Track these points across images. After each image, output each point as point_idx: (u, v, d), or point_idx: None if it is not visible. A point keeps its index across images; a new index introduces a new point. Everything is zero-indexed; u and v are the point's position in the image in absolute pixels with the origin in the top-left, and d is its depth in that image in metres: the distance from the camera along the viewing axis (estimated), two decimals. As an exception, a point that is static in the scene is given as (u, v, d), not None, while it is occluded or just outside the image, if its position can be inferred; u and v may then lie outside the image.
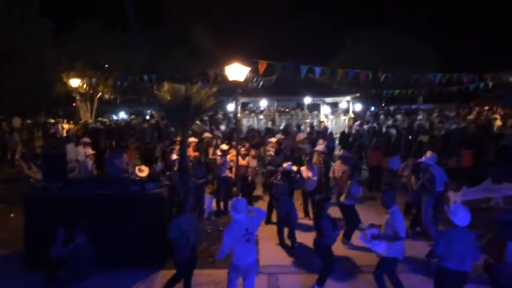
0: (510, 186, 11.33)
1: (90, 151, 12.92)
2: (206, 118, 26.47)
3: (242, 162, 11.77)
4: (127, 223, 7.74)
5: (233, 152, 11.90)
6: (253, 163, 12.10)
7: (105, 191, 8.00)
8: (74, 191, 7.94)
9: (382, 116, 25.67)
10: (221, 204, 11.27)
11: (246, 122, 22.01)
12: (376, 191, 12.71)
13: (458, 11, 42.74)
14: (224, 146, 11.78)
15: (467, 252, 5.68)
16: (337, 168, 10.48)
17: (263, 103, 24.70)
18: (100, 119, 25.70)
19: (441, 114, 26.51)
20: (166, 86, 8.76)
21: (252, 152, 12.23)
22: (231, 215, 6.05)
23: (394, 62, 25.65)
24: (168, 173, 9.87)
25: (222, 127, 19.80)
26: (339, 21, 37.30)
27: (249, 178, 12.16)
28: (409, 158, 11.51)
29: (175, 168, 9.83)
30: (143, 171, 10.14)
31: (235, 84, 10.99)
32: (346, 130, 19.33)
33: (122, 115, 35.86)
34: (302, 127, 19.73)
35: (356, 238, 7.82)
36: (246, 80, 18.28)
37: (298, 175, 10.38)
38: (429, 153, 9.99)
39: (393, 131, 17.34)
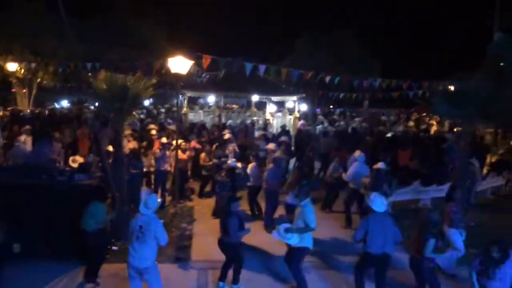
0: (437, 188, 12.04)
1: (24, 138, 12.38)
2: (163, 110, 26.15)
3: (182, 156, 11.69)
4: (53, 214, 7.46)
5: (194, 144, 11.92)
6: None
7: (31, 180, 7.68)
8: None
9: (335, 117, 26.48)
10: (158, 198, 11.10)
11: (192, 117, 21.78)
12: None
13: (404, 21, 44.65)
14: (164, 140, 11.63)
15: (386, 235, 6.28)
16: None
17: (211, 98, 24.56)
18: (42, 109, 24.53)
19: (373, 118, 27.79)
20: (102, 74, 8.50)
21: (210, 148, 12.25)
22: (140, 210, 6.03)
23: (340, 65, 26.32)
24: (100, 164, 9.58)
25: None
26: (290, 22, 38.00)
27: (188, 172, 12.15)
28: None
29: (110, 160, 9.56)
30: (76, 162, 9.82)
31: (178, 77, 10.86)
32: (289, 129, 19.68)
33: (65, 103, 34.49)
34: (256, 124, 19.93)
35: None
36: (191, 74, 18.06)
37: (243, 173, 10.45)
38: (357, 153, 10.35)
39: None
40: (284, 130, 17.93)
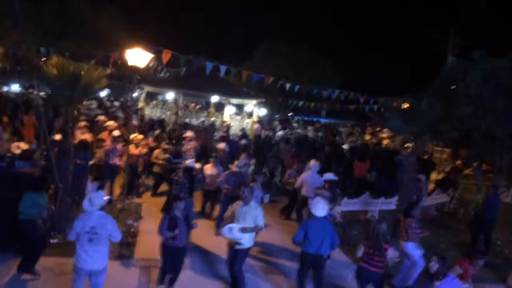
0: (385, 201, 12.37)
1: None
2: (117, 103, 25.26)
3: (133, 151, 11.37)
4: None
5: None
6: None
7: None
8: None
9: (295, 124, 26.82)
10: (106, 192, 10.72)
11: (149, 112, 21.31)
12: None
13: (366, 38, 46.16)
14: (116, 133, 11.25)
15: (324, 239, 6.55)
16: None
17: (170, 95, 24.13)
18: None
19: (329, 128, 28.55)
20: (54, 60, 8.09)
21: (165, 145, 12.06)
22: (84, 207, 5.59)
23: (300, 74, 26.71)
24: (45, 153, 9.12)
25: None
26: (253, 28, 38.31)
27: (140, 168, 11.82)
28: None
29: (56, 150, 9.11)
30: (20, 149, 9.30)
31: (135, 69, 10.57)
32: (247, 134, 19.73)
33: (15, 87, 32.81)
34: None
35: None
36: (151, 69, 17.69)
37: (200, 174, 10.27)
38: (312, 162, 10.45)
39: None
40: (244, 134, 17.94)
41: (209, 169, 10.62)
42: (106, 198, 5.88)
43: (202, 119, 22.17)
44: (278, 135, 21.42)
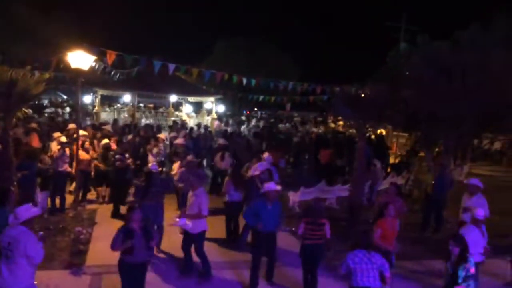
0: (341, 187, 12.56)
1: None
2: (68, 108, 24.50)
3: (84, 156, 11.09)
4: None
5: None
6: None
7: None
8: None
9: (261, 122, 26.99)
10: (56, 200, 10.41)
11: (105, 116, 20.87)
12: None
13: (322, 30, 46.71)
14: (63, 139, 10.93)
15: (271, 217, 7.09)
16: None
17: (127, 97, 23.74)
18: None
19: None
20: (-14, 67, 7.78)
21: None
22: (10, 220, 5.14)
23: (259, 69, 26.79)
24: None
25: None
26: (210, 25, 38.12)
27: (92, 173, 11.54)
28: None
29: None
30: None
31: (80, 72, 10.28)
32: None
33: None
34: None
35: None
36: (102, 71, 17.28)
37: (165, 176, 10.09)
38: (265, 154, 10.48)
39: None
40: (207, 130, 17.82)
41: (176, 168, 10.51)
42: (34, 211, 5.29)
43: (174, 119, 21.85)
44: (242, 129, 21.45)
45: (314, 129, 23.87)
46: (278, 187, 7.34)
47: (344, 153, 15.17)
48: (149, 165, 9.66)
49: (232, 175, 9.50)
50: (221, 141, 14.07)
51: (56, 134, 10.98)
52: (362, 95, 9.55)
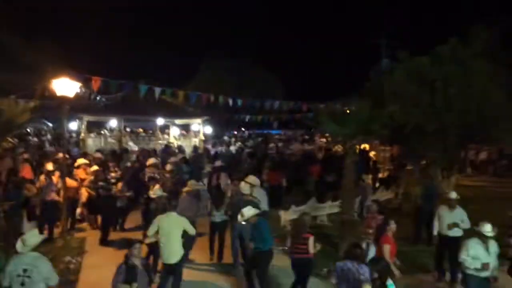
0: (332, 204, 12.57)
1: None
2: (49, 136, 24.21)
3: (72, 183, 10.96)
4: None
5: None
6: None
7: None
8: None
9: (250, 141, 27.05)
10: (45, 231, 10.20)
11: (92, 143, 20.69)
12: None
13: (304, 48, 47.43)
14: (50, 167, 10.81)
15: (268, 237, 7.34)
16: None
17: (114, 123, 23.63)
18: None
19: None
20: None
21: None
22: (16, 248, 5.23)
23: (244, 89, 26.99)
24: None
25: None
26: (193, 47, 38.44)
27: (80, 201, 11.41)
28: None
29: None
30: None
31: (65, 100, 10.23)
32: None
33: None
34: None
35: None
36: (85, 97, 17.24)
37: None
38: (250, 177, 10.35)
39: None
40: (197, 152, 17.79)
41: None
42: (41, 236, 5.55)
43: (162, 142, 21.72)
44: (231, 150, 21.44)
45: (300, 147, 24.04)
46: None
47: (333, 169, 15.25)
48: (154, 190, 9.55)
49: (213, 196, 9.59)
50: (217, 162, 14.10)
51: (47, 166, 10.85)
52: (348, 111, 9.66)
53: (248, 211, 7.53)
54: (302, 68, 44.64)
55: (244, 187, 9.17)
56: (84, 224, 11.71)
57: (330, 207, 12.49)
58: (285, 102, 17.51)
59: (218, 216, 9.26)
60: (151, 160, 13.10)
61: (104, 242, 10.18)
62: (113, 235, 10.59)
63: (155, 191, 8.67)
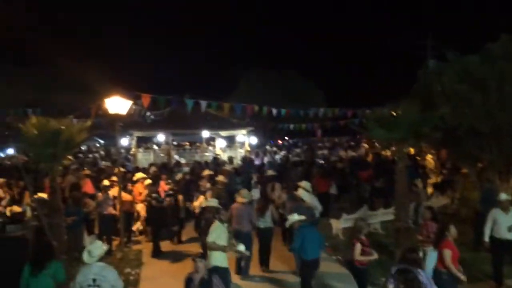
0: (385, 211, 12.30)
1: None
2: (102, 152, 25.24)
3: (127, 197, 11.36)
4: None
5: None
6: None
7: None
8: None
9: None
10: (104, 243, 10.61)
11: (142, 157, 21.39)
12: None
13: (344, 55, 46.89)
14: (106, 182, 11.27)
15: (316, 244, 7.33)
16: None
17: (161, 137, 24.34)
18: None
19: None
20: (33, 119, 8.21)
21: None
22: (83, 259, 5.54)
23: (286, 97, 27.02)
24: (35, 213, 9.12)
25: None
26: (235, 60, 39.08)
27: (135, 214, 11.79)
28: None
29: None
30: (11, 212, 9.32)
31: (117, 117, 10.69)
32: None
33: (11, 151, 32.91)
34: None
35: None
36: (135, 114, 17.88)
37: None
38: (303, 183, 10.38)
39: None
40: (247, 163, 17.96)
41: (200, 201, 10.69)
42: (105, 247, 5.82)
43: (208, 154, 22.11)
44: (277, 159, 21.53)
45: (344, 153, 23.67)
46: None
47: (382, 175, 14.91)
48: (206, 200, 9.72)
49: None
50: (270, 171, 14.17)
51: (104, 181, 11.35)
52: (396, 115, 9.43)
53: (293, 217, 7.64)
54: (343, 74, 44.15)
55: (302, 193, 9.20)
56: (140, 237, 12.07)
57: (383, 215, 12.22)
58: (330, 109, 17.37)
59: (262, 222, 9.30)
60: (206, 172, 13.40)
61: (158, 255, 10.46)
62: (169, 247, 10.90)
63: (208, 201, 8.78)
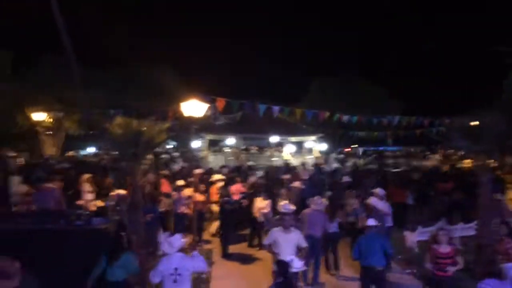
0: (465, 226, 11.57)
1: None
2: (176, 153, 26.18)
3: (199, 197, 11.71)
4: (71, 258, 7.44)
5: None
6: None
7: (49, 225, 7.78)
8: (16, 225, 7.70)
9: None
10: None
11: (212, 160, 21.94)
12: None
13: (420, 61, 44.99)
14: (180, 182, 11.70)
15: (378, 252, 7.23)
16: None
17: (231, 141, 24.82)
18: (71, 153, 25.22)
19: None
20: (118, 120, 8.71)
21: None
22: (163, 250, 5.90)
23: (356, 104, 26.37)
24: (117, 207, 9.67)
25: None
26: (305, 66, 38.94)
27: (209, 214, 12.15)
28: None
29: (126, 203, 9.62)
30: (95, 206, 9.95)
31: (192, 120, 11.08)
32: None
33: (91, 150, 35.21)
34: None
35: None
36: (208, 117, 18.40)
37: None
38: (377, 190, 10.15)
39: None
40: (319, 170, 17.85)
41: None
42: (184, 240, 6.14)
43: (276, 159, 22.25)
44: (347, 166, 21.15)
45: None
46: None
47: (461, 187, 14.11)
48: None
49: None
50: (345, 178, 13.96)
51: (178, 182, 11.81)
52: (482, 126, 8.87)
53: (368, 222, 7.59)
54: (418, 80, 42.33)
55: (374, 201, 9.05)
56: (211, 237, 12.37)
57: (463, 230, 11.50)
58: (405, 117, 16.73)
59: (331, 228, 9.30)
60: (286, 176, 13.49)
61: (227, 256, 10.67)
62: (239, 248, 11.14)
63: (284, 206, 8.79)
